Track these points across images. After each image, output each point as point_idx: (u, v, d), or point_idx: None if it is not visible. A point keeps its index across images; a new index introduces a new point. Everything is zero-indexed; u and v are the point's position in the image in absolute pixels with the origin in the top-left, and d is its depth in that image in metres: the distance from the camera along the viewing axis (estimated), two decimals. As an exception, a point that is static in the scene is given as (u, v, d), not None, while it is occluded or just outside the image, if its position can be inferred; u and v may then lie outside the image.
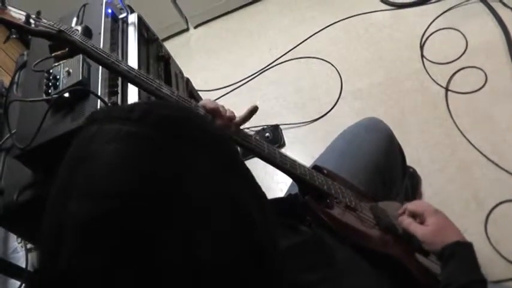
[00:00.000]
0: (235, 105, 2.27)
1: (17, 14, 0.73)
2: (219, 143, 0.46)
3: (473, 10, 2.11)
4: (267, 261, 0.46)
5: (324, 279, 0.64)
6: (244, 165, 0.49)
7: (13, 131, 1.14)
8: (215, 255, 0.40)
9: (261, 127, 2.11)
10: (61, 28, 0.75)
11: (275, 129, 2.08)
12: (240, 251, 0.43)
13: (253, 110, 0.88)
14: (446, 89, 1.92)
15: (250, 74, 2.37)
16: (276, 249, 0.49)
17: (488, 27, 2.03)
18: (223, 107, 0.86)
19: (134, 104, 0.44)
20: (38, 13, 0.75)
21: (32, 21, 0.74)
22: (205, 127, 0.46)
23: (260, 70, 2.37)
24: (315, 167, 0.98)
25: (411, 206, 0.93)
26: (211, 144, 0.45)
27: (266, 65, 2.37)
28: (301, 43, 2.37)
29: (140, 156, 0.39)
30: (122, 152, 0.39)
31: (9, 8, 0.72)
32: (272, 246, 0.48)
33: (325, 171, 0.98)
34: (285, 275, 0.53)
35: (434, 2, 2.21)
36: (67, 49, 1.17)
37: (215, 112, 0.82)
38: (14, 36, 0.73)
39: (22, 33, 0.73)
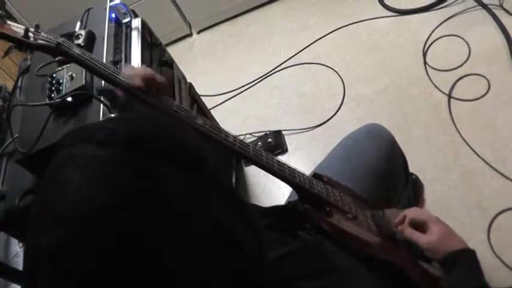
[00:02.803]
0: (238, 110, 2.30)
1: (16, 28, 0.73)
2: (194, 159, 0.45)
3: (476, 17, 2.11)
4: (253, 272, 0.46)
5: (324, 286, 0.64)
6: (225, 179, 0.48)
7: (15, 136, 1.14)
8: (191, 280, 0.40)
9: (264, 133, 2.11)
10: (59, 41, 0.75)
11: (277, 135, 2.08)
12: (222, 267, 0.43)
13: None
14: (449, 96, 1.92)
15: (253, 80, 2.37)
16: (262, 260, 0.48)
17: (491, 35, 2.03)
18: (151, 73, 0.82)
19: (102, 123, 0.43)
20: (37, 26, 0.76)
21: (30, 34, 0.74)
22: (179, 142, 0.45)
23: (263, 76, 2.37)
24: (315, 175, 0.98)
25: (411, 214, 0.91)
26: (184, 160, 0.44)
27: (269, 70, 2.37)
28: (304, 49, 2.38)
29: (106, 180, 0.39)
30: (88, 177, 0.39)
31: (8, 22, 0.72)
32: (258, 258, 0.47)
33: (324, 179, 0.98)
34: (282, 282, 0.53)
35: (437, 9, 2.22)
36: (70, 54, 1.18)
37: (148, 81, 0.79)
38: (13, 50, 0.74)
39: (21, 47, 0.74)
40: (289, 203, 0.96)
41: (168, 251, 0.39)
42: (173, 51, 1.76)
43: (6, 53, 0.75)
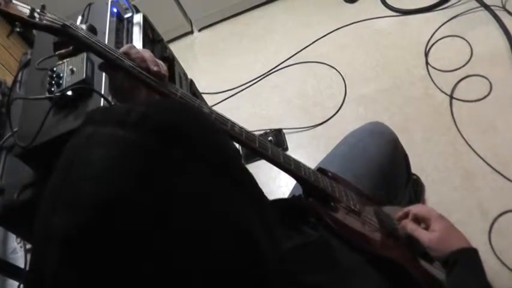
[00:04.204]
0: (238, 108, 2.29)
1: (22, 8, 0.72)
2: (222, 152, 0.43)
3: (479, 18, 2.11)
4: (265, 268, 0.43)
5: (330, 281, 0.63)
6: (247, 174, 0.46)
7: (15, 130, 1.13)
8: (206, 278, 0.38)
9: (264, 131, 2.11)
10: (66, 23, 0.74)
11: (278, 133, 2.08)
12: (237, 267, 0.40)
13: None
14: (451, 97, 1.91)
15: (254, 78, 2.36)
16: (276, 258, 0.46)
17: (493, 36, 2.03)
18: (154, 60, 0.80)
19: (132, 106, 0.41)
20: (43, 7, 0.74)
21: (36, 15, 0.73)
22: (208, 133, 0.43)
23: (264, 74, 2.36)
24: (320, 170, 0.97)
25: (415, 209, 0.91)
26: (213, 154, 0.42)
27: (270, 68, 2.36)
28: (305, 48, 2.37)
29: (131, 166, 0.37)
30: (112, 160, 0.37)
31: (14, 1, 0.71)
32: (272, 257, 0.45)
33: (329, 174, 0.97)
34: (289, 277, 0.51)
35: (440, 9, 2.21)
36: (71, 47, 1.17)
37: (140, 60, 0.77)
38: (18, 29, 0.72)
39: (26, 27, 0.72)
40: (293, 197, 0.95)
41: (181, 251, 0.37)
42: (174, 49, 1.75)
43: (10, 32, 0.73)
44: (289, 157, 0.85)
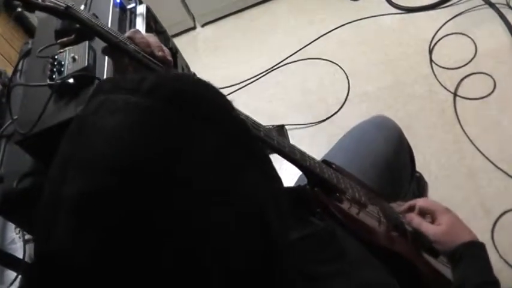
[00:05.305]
0: (241, 104, 2.26)
1: (24, -11, 0.71)
2: (235, 124, 0.42)
3: (483, 16, 2.10)
4: (276, 257, 0.42)
5: (339, 272, 0.61)
6: (262, 149, 0.45)
7: (15, 117, 1.12)
8: (217, 247, 0.37)
9: (267, 127, 2.09)
10: (69, 4, 0.73)
11: (280, 130, 2.06)
12: (247, 245, 0.39)
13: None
14: (455, 95, 1.90)
15: (256, 74, 2.35)
16: (287, 243, 0.45)
17: (497, 33, 2.02)
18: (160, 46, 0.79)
19: (145, 75, 0.40)
20: (46, -11, 0.74)
21: (39, -4, 0.72)
22: (221, 104, 0.42)
23: (267, 70, 2.35)
24: (324, 162, 0.96)
25: (421, 202, 0.91)
26: (225, 124, 0.41)
27: (273, 65, 2.35)
28: (309, 44, 2.35)
29: (146, 131, 0.36)
30: (127, 124, 0.36)
31: (17, -18, 0.71)
32: (283, 241, 0.44)
33: (333, 166, 0.96)
34: (298, 267, 0.50)
35: (444, 7, 2.20)
36: (73, 36, 1.16)
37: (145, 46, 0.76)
38: (20, 9, 0.71)
39: (29, 7, 0.71)
40: (298, 186, 0.94)
41: (188, 227, 0.35)
42: (177, 44, 1.74)
43: (13, 15, 0.73)
44: (294, 147, 0.84)
